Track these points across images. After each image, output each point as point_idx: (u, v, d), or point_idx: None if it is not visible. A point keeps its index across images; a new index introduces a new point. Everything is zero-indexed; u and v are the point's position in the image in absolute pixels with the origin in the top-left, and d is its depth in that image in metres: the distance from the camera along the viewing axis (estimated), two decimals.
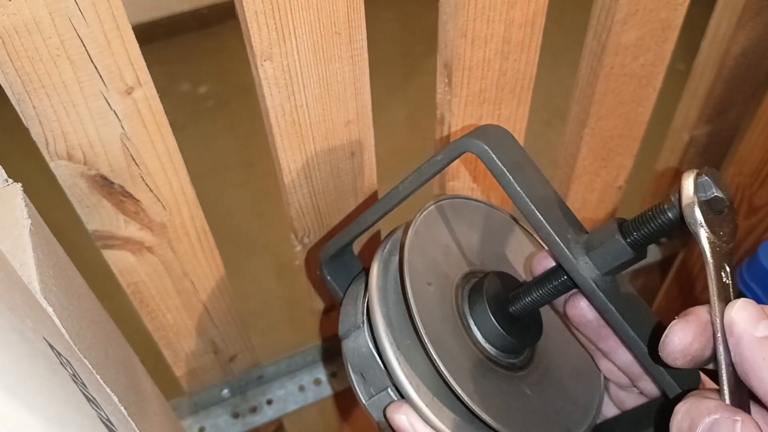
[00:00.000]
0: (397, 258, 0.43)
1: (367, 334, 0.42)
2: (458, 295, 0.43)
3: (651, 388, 0.42)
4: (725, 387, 0.32)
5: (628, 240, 0.36)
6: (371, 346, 0.42)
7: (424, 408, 0.38)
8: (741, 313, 0.31)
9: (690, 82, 0.77)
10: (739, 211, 0.82)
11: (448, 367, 0.38)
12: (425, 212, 0.44)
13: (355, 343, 0.43)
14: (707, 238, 0.32)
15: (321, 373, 0.73)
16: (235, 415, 0.70)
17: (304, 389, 0.72)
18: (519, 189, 0.37)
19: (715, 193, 0.33)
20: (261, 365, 0.71)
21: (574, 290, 0.40)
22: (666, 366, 0.35)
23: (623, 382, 0.44)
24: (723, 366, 0.32)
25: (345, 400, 0.85)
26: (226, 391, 0.70)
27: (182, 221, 0.52)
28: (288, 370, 0.72)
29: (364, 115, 0.53)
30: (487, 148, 0.37)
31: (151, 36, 2.50)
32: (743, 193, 0.81)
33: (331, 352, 0.73)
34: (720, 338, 0.32)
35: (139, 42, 0.41)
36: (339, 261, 0.50)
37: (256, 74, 0.45)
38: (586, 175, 0.72)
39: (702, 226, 0.32)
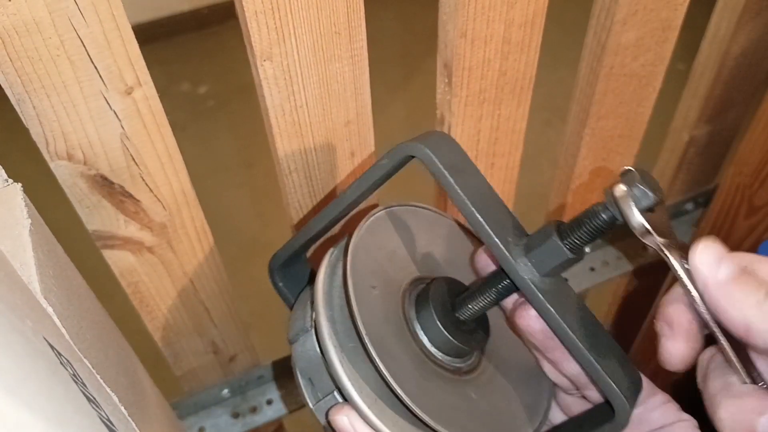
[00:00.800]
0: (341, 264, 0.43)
1: (314, 338, 0.43)
2: (405, 299, 0.43)
3: (597, 395, 0.42)
4: (738, 366, 0.32)
5: (565, 241, 0.37)
6: (318, 349, 0.42)
7: (365, 409, 0.39)
8: (702, 258, 0.32)
9: (690, 82, 0.77)
10: (739, 211, 0.82)
11: (389, 369, 0.38)
12: (372, 218, 0.45)
13: (303, 347, 0.43)
14: (663, 244, 0.33)
15: None
16: (235, 415, 0.70)
17: None
18: (460, 192, 0.37)
19: (649, 193, 0.33)
20: (261, 365, 0.71)
21: (521, 300, 0.41)
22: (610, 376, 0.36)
23: (567, 387, 0.44)
24: (726, 345, 0.33)
25: None
26: (226, 391, 0.70)
27: (182, 221, 0.52)
28: (288, 370, 0.72)
29: (364, 115, 0.53)
30: (429, 152, 0.38)
31: (151, 36, 2.50)
32: (743, 193, 0.81)
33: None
34: (713, 326, 0.33)
35: (139, 42, 0.41)
36: (291, 268, 0.50)
37: (256, 74, 0.45)
38: (586, 175, 0.72)
39: (656, 238, 0.33)
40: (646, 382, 0.41)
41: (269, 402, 0.71)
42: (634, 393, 0.38)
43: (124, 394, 0.39)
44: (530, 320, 0.40)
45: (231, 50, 2.51)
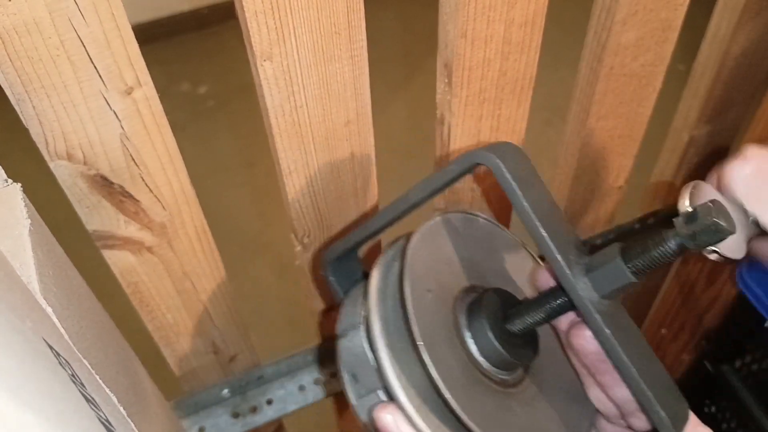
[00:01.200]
0: (398, 265, 0.43)
1: (363, 334, 0.43)
2: (457, 306, 0.43)
3: (641, 424, 0.42)
4: None
5: (629, 265, 0.37)
6: (366, 346, 0.42)
7: (411, 410, 0.39)
8: None
9: (690, 82, 0.77)
10: None
11: (439, 373, 0.38)
12: (432, 223, 0.45)
13: (351, 343, 0.43)
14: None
15: (321, 373, 0.73)
16: (235, 415, 0.70)
17: (304, 389, 0.72)
18: (526, 204, 0.37)
19: (720, 223, 0.33)
20: (261, 365, 0.71)
21: (578, 320, 0.41)
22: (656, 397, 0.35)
23: (612, 414, 0.44)
24: None
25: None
26: (226, 391, 0.70)
27: (182, 221, 0.52)
28: (288, 370, 0.72)
29: (364, 115, 0.53)
30: (499, 162, 0.38)
31: (151, 36, 2.50)
32: None
33: (329, 354, 0.73)
34: None
35: (138, 42, 0.41)
36: (343, 263, 0.50)
37: (256, 74, 0.45)
38: (587, 175, 0.72)
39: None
40: (691, 413, 0.41)
41: (269, 402, 0.71)
42: (681, 423, 0.38)
43: (124, 395, 0.39)
44: (585, 340, 0.40)
45: (231, 50, 2.51)
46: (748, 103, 0.79)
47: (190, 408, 0.69)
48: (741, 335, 0.87)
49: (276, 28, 0.43)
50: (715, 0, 0.69)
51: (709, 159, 0.84)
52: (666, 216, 0.86)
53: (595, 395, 0.44)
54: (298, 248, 0.60)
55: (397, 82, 2.42)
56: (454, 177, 0.40)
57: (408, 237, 0.43)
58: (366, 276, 0.49)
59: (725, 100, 0.76)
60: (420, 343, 0.38)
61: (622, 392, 0.41)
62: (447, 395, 0.37)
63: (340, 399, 0.81)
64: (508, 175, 0.37)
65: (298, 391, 0.72)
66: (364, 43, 0.48)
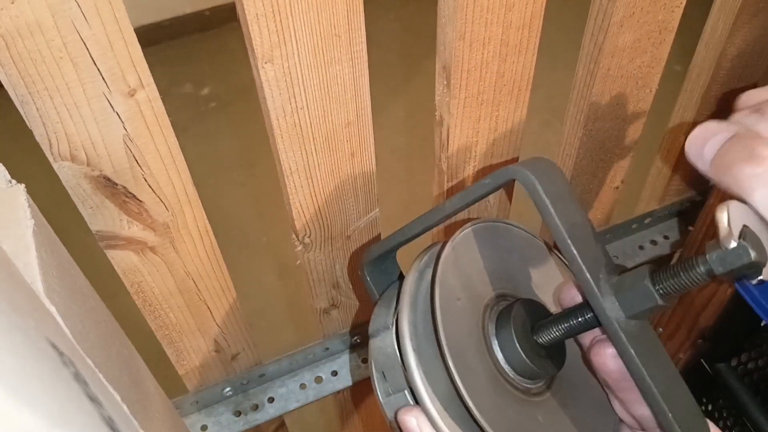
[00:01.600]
0: (431, 270, 0.44)
1: (394, 336, 0.44)
2: (486, 314, 0.44)
3: None
4: None
5: (657, 287, 0.37)
6: (396, 348, 0.43)
7: (435, 415, 0.40)
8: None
9: (686, 84, 0.77)
10: None
11: (463, 380, 0.39)
12: (466, 231, 0.46)
13: (382, 343, 0.45)
14: None
15: (322, 372, 0.73)
16: (237, 413, 0.70)
17: (306, 387, 0.72)
18: (558, 223, 0.38)
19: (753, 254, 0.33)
20: (263, 364, 0.71)
21: (601, 337, 0.42)
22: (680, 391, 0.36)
23: (634, 426, 0.44)
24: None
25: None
26: (228, 389, 0.70)
27: (185, 221, 0.52)
28: (289, 368, 0.73)
29: (364, 117, 0.53)
30: (534, 178, 0.38)
31: (154, 38, 2.50)
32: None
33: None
34: None
35: (141, 44, 0.41)
36: (381, 264, 0.51)
37: (257, 76, 0.46)
38: (584, 175, 0.72)
39: None
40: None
41: (271, 400, 0.71)
42: None
43: (127, 393, 0.40)
44: (606, 359, 0.40)
45: (233, 52, 2.52)
46: None
47: (192, 406, 0.70)
48: (738, 334, 0.87)
49: (277, 30, 0.43)
50: (711, 2, 0.69)
51: None
52: (662, 215, 0.86)
53: (618, 407, 0.45)
54: (299, 248, 0.60)
55: (396, 84, 2.43)
56: (489, 191, 0.41)
57: (443, 244, 0.44)
58: (401, 278, 0.50)
59: (721, 102, 0.77)
60: (446, 350, 0.39)
61: (644, 410, 0.41)
62: (469, 403, 0.38)
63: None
64: (541, 192, 0.38)
65: (300, 390, 0.72)
66: (364, 46, 0.48)
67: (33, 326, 0.27)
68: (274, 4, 0.42)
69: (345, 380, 0.73)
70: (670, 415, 0.37)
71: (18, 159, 0.87)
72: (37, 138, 0.43)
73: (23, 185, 0.37)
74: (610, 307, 0.38)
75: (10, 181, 0.37)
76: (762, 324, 0.79)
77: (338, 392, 0.74)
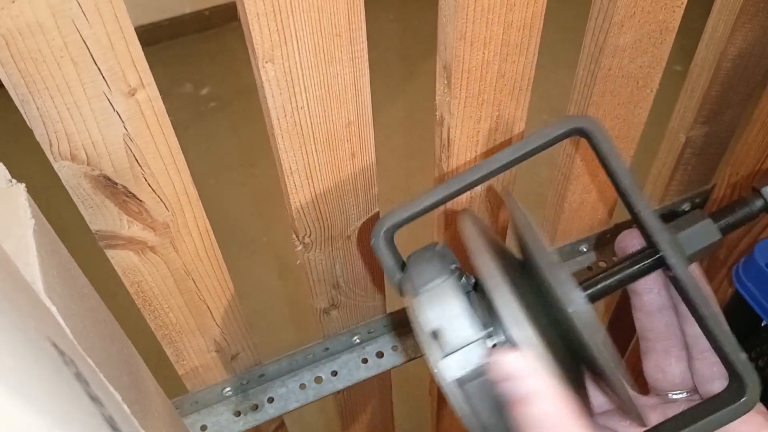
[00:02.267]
0: (483, 224, 0.44)
1: (455, 283, 0.40)
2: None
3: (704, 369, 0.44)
4: None
5: (719, 223, 0.40)
6: (459, 294, 0.40)
7: (542, 350, 0.36)
8: None
9: (687, 84, 0.77)
10: None
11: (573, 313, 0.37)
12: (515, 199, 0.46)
13: (441, 291, 0.40)
14: None
15: (322, 372, 0.73)
16: (237, 413, 0.70)
17: (305, 387, 0.72)
18: (627, 169, 0.40)
19: None
20: (263, 364, 0.71)
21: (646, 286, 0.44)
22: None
23: (658, 387, 0.46)
24: None
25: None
26: (228, 389, 0.70)
27: (185, 221, 0.52)
28: (289, 368, 0.73)
29: (364, 116, 0.53)
30: (598, 127, 0.40)
31: (154, 38, 2.50)
32: (739, 194, 0.82)
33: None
34: None
35: (142, 44, 0.41)
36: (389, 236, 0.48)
37: (258, 76, 0.46)
38: (584, 175, 0.72)
39: None
40: None
41: (270, 400, 0.71)
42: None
43: (127, 393, 0.40)
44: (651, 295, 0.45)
45: (233, 52, 2.52)
46: (745, 104, 0.79)
47: (192, 406, 0.70)
48: (738, 334, 0.87)
49: (277, 30, 0.43)
50: (712, 2, 0.69)
51: (705, 160, 0.84)
52: (662, 215, 0.86)
53: (656, 362, 0.46)
54: (299, 248, 0.60)
55: (397, 83, 2.43)
56: (549, 141, 0.41)
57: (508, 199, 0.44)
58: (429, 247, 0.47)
59: (722, 102, 0.77)
60: (548, 276, 0.37)
61: (694, 329, 0.43)
62: (584, 335, 0.36)
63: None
64: (608, 140, 0.40)
65: (299, 390, 0.72)
66: (365, 45, 0.48)
67: (33, 326, 0.27)
68: (275, 3, 0.42)
69: (345, 380, 0.73)
70: (737, 344, 0.39)
71: (18, 159, 0.87)
72: (38, 137, 0.43)
73: (23, 185, 0.37)
74: (675, 244, 0.39)
75: (11, 181, 0.37)
76: (762, 324, 0.79)
77: (338, 392, 0.74)
